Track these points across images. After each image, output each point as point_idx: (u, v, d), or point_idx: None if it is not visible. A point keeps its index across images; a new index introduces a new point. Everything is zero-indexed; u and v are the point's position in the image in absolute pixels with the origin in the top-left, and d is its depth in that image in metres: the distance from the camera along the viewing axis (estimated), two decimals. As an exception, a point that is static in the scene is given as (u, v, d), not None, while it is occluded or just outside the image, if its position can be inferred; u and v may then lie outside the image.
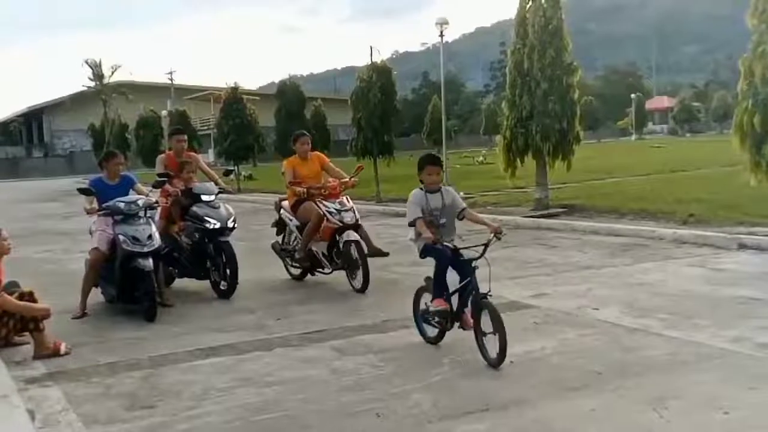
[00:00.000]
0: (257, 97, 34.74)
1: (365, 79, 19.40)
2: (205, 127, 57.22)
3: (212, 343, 6.50)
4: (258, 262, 10.38)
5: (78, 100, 66.26)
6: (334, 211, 8.57)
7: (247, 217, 16.84)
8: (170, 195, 8.83)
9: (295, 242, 9.27)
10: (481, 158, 37.64)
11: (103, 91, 63.26)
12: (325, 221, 8.57)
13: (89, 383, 5.60)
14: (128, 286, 7.70)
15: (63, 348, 6.36)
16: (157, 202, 8.35)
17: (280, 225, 9.64)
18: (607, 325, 6.56)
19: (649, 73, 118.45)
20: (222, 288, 8.57)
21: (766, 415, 4.37)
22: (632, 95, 74.67)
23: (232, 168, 9.77)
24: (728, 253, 9.93)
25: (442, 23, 19.79)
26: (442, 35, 20.02)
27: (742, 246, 10.20)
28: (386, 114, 19.36)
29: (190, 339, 6.72)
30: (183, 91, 63.48)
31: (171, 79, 66.42)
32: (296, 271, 9.54)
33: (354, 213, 8.64)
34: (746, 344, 5.77)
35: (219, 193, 8.98)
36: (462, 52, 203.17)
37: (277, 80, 28.67)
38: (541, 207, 15.31)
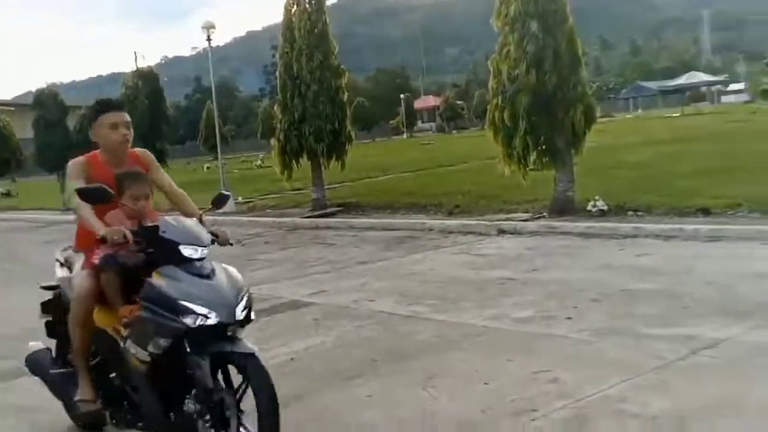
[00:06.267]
0: (11, 108, 32.13)
1: (131, 85, 18.79)
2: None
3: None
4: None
5: None
6: None
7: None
8: (115, 243, 3.78)
9: None
10: (259, 162, 37.51)
11: None
12: None
13: None
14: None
15: None
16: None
17: None
18: (382, 315, 6.86)
19: (418, 74, 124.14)
20: None
21: (520, 382, 4.80)
22: (401, 95, 77.96)
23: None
24: (489, 239, 10.73)
25: (209, 27, 19.47)
26: (209, 39, 19.71)
27: (501, 231, 11.06)
28: (155, 121, 18.83)
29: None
30: (-77, 103, 57.25)
31: None
32: None
33: None
34: (504, 321, 6.30)
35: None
36: (235, 56, 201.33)
37: (34, 89, 26.58)
38: (319, 207, 15.62)
